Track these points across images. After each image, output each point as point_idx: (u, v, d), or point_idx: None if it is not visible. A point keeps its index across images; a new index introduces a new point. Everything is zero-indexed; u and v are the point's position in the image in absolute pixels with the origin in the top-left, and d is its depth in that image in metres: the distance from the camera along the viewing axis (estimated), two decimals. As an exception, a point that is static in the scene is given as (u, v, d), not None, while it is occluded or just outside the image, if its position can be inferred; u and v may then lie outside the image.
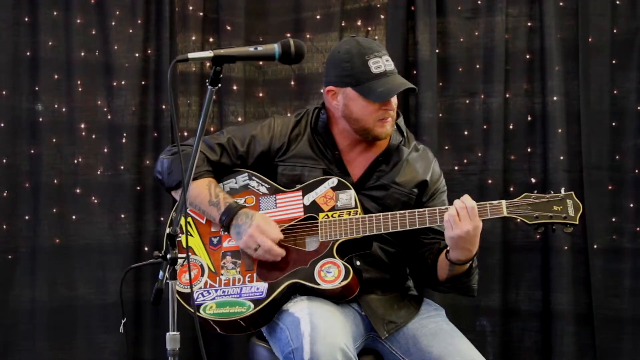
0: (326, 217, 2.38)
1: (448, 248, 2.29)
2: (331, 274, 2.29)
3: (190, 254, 2.42)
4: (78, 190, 3.30)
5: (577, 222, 2.25)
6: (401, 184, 2.47)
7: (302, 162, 2.48)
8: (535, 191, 2.30)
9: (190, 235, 2.45)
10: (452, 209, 2.23)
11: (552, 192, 2.29)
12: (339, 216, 2.36)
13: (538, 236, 3.34)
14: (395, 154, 2.50)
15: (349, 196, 2.39)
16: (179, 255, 1.91)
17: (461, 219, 2.21)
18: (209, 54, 1.89)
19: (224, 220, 2.38)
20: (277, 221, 2.41)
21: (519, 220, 2.25)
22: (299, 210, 2.41)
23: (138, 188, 3.33)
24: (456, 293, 2.49)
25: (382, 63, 2.37)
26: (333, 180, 2.42)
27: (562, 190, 2.29)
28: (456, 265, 2.31)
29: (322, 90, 2.60)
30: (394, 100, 2.41)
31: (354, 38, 2.47)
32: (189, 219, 2.47)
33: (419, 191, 2.49)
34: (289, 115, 2.62)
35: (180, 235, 1.95)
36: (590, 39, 3.36)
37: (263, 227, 2.34)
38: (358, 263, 2.40)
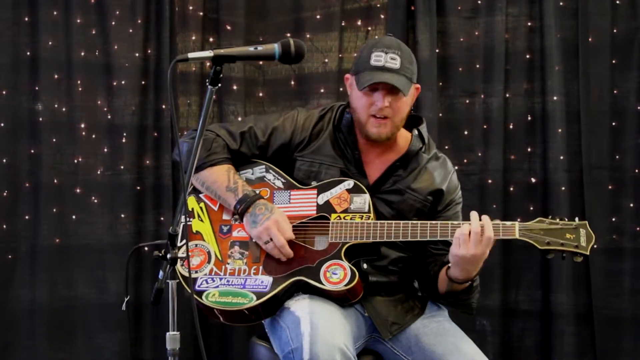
0: (338, 218, 2.36)
1: (450, 264, 2.29)
2: (337, 275, 2.28)
3: (198, 239, 2.42)
4: (78, 190, 3.30)
5: (588, 253, 2.24)
6: (417, 190, 2.45)
7: (320, 159, 2.47)
8: (550, 216, 2.28)
9: (201, 220, 2.45)
10: (465, 228, 2.20)
11: (567, 220, 2.26)
12: (350, 219, 2.35)
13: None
14: (414, 159, 2.48)
15: (364, 200, 2.38)
16: (180, 256, 1.91)
17: (471, 242, 2.19)
18: (209, 53, 1.88)
19: (240, 207, 2.36)
20: (289, 217, 2.40)
21: (529, 243, 2.23)
22: (311, 209, 2.40)
23: (138, 188, 3.33)
24: (454, 308, 2.49)
25: (383, 58, 2.33)
26: (349, 183, 2.41)
27: (576, 219, 2.27)
28: (454, 282, 2.30)
29: None
30: (391, 100, 2.34)
31: (386, 35, 2.48)
32: (202, 205, 2.47)
33: (434, 199, 2.46)
34: (313, 109, 2.58)
35: (183, 223, 1.94)
36: (590, 39, 3.37)
37: (281, 223, 2.33)
38: (365, 266, 2.39)
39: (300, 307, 2.25)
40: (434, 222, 2.31)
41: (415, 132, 2.50)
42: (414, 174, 2.46)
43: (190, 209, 2.45)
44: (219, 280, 2.35)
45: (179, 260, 1.93)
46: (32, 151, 3.28)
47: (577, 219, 2.27)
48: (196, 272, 2.35)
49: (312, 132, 2.49)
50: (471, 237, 2.19)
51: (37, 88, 3.29)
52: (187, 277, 2.28)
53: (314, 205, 2.41)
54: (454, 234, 2.23)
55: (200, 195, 2.48)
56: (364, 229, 2.32)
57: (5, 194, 3.26)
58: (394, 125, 2.40)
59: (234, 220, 2.43)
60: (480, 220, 2.22)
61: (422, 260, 2.46)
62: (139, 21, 3.32)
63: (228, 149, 2.47)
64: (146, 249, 3.30)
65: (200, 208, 2.47)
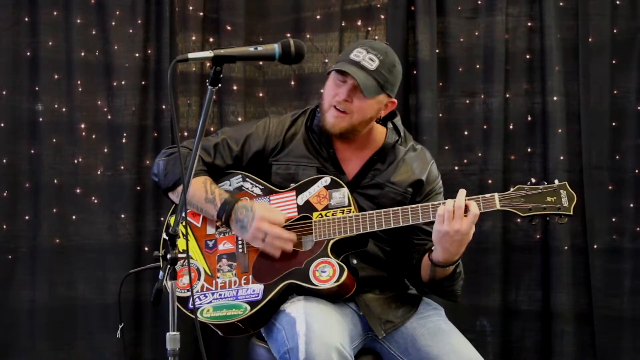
0: (320, 216, 2.37)
1: (433, 248, 2.29)
2: (326, 273, 2.29)
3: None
4: (78, 190, 3.30)
5: (571, 213, 2.24)
6: (396, 183, 2.46)
7: (296, 160, 2.48)
8: (529, 182, 2.29)
9: (186, 239, 2.45)
10: (450, 204, 2.21)
11: (546, 183, 2.28)
12: (332, 215, 2.36)
13: (538, 236, 3.34)
14: (390, 152, 2.50)
15: (343, 194, 2.38)
16: (179, 255, 1.92)
17: (455, 217, 2.20)
18: (209, 54, 1.88)
19: (222, 216, 2.38)
20: (271, 222, 2.40)
21: (511, 212, 2.23)
22: (293, 211, 2.41)
23: (138, 188, 3.33)
24: (438, 296, 2.49)
25: (362, 55, 2.35)
26: (326, 179, 2.42)
27: (556, 181, 2.29)
28: (437, 267, 2.30)
29: None
30: (355, 97, 2.35)
31: (384, 42, 2.51)
32: (184, 223, 2.46)
33: (414, 190, 2.48)
34: (285, 114, 2.60)
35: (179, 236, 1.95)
36: (590, 39, 3.36)
37: (266, 215, 2.34)
38: (355, 262, 2.40)
39: (296, 308, 2.26)
40: (414, 205, 2.31)
41: (390, 125, 2.51)
42: (392, 166, 2.48)
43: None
44: (211, 295, 2.36)
45: (177, 264, 1.92)
46: (32, 151, 3.28)
47: (556, 181, 2.28)
48: (188, 290, 2.35)
49: (286, 136, 2.50)
50: (455, 212, 2.19)
51: (37, 88, 3.29)
52: (181, 297, 2.31)
53: (294, 207, 2.41)
54: (434, 215, 2.23)
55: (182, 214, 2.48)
56: (347, 223, 2.33)
57: (5, 194, 3.26)
58: (351, 122, 2.40)
59: (219, 234, 2.44)
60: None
61: (406, 252, 2.47)
62: (139, 21, 3.33)
63: (203, 162, 2.47)
64: (146, 248, 3.31)
65: (184, 226, 2.46)
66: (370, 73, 2.34)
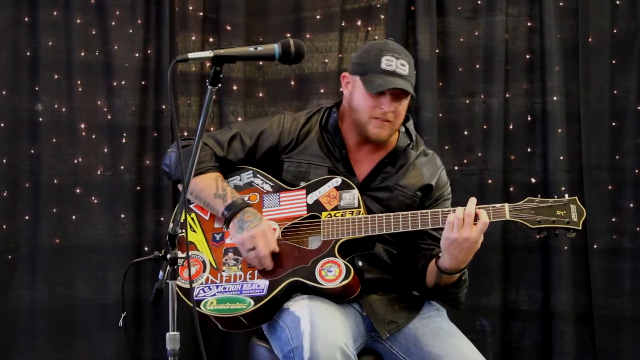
0: (329, 216, 2.37)
1: (440, 254, 2.29)
2: (332, 273, 2.29)
3: (192, 249, 2.42)
4: (78, 190, 3.30)
5: (580, 228, 2.25)
6: (406, 186, 2.46)
7: (308, 159, 2.48)
8: (539, 195, 2.29)
9: (194, 231, 2.46)
10: (460, 212, 2.21)
11: (556, 197, 2.28)
12: (341, 215, 2.36)
13: (538, 236, 3.34)
14: (402, 156, 2.50)
15: (353, 196, 2.39)
16: (180, 256, 1.92)
17: (465, 224, 2.20)
18: (209, 54, 1.88)
19: (227, 213, 2.37)
20: (280, 219, 2.41)
21: (520, 223, 2.25)
22: (302, 209, 2.41)
23: (138, 188, 3.34)
24: (442, 302, 2.50)
25: (394, 63, 2.36)
26: (337, 180, 2.42)
27: (566, 195, 2.28)
28: (444, 273, 2.30)
29: None
30: (396, 105, 2.38)
31: (388, 39, 2.50)
32: (193, 215, 2.48)
33: (423, 195, 2.48)
34: (300, 112, 2.60)
35: (180, 233, 1.95)
36: (590, 39, 3.36)
37: (268, 235, 2.34)
38: (360, 263, 2.40)
39: (300, 307, 2.26)
40: (424, 211, 2.32)
41: (403, 129, 2.52)
42: (402, 170, 2.48)
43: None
44: (216, 288, 2.36)
45: (177, 264, 1.92)
46: (32, 151, 3.28)
47: (566, 195, 2.28)
48: (193, 282, 2.35)
49: (299, 134, 2.51)
50: (465, 219, 2.20)
51: (37, 88, 3.29)
52: (184, 288, 2.30)
53: (304, 206, 2.41)
54: (444, 221, 2.23)
55: (191, 206, 2.48)
56: (355, 224, 2.33)
57: (5, 194, 3.26)
58: (393, 128, 2.43)
59: (225, 227, 2.43)
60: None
61: (411, 255, 2.47)
62: (139, 21, 3.33)
63: (216, 157, 2.48)
64: (146, 248, 3.31)
65: (192, 219, 2.47)
66: (407, 79, 2.38)
